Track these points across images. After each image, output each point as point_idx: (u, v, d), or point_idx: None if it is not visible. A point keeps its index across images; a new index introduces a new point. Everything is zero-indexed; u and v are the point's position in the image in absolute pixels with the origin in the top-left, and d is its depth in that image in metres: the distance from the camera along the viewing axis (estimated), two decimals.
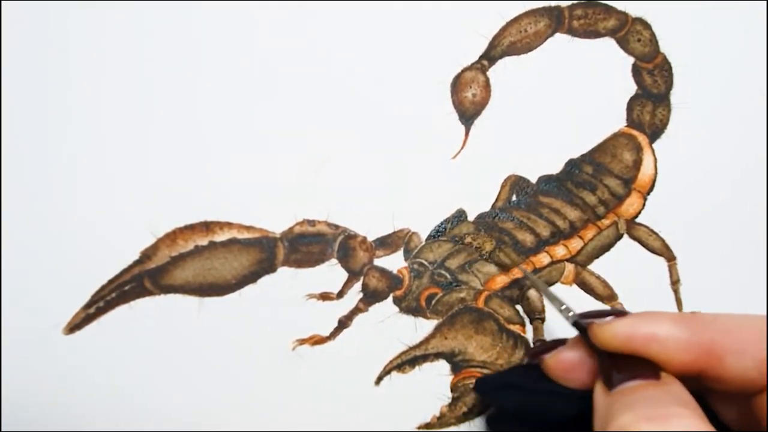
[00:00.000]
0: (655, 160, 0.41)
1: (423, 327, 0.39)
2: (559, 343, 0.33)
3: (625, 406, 0.28)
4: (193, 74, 0.40)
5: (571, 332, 0.36)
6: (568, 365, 0.32)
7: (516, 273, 0.40)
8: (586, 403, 0.30)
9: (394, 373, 0.38)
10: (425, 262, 0.40)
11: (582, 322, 0.31)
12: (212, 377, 0.38)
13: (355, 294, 0.39)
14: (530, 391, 0.33)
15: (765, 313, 0.34)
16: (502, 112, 0.41)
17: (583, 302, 0.39)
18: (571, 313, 0.32)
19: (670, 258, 0.40)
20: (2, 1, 0.40)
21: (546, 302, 0.39)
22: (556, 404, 0.32)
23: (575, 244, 0.40)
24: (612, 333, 0.29)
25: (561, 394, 0.32)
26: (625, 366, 0.29)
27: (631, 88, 0.41)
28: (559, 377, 0.32)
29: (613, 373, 0.29)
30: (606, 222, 0.40)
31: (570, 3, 0.41)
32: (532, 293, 0.39)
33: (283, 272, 0.39)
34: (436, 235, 0.40)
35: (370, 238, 0.40)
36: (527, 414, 0.33)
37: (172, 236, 0.39)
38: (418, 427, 0.38)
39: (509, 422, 0.35)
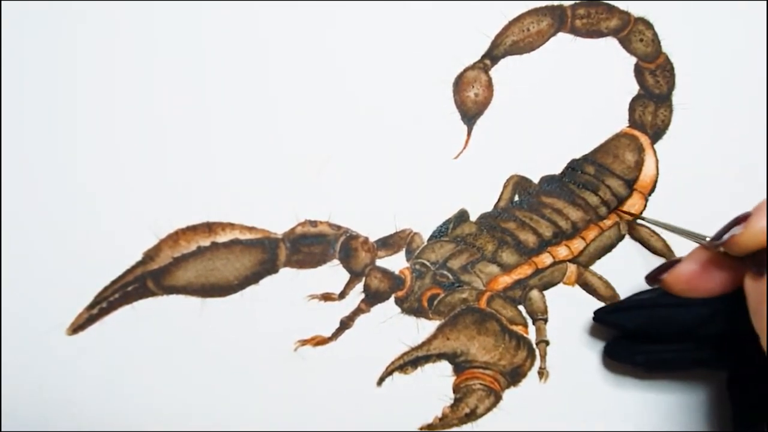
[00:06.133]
0: (657, 160, 0.41)
1: (425, 328, 0.39)
2: (673, 263, 0.35)
3: None
4: (194, 75, 0.40)
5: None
6: (688, 276, 0.35)
7: (518, 273, 0.40)
8: (712, 307, 0.35)
9: (396, 374, 0.39)
10: (427, 263, 0.40)
11: (718, 242, 0.33)
12: (214, 378, 0.38)
13: (356, 295, 0.39)
14: (653, 307, 0.36)
15: None
16: (504, 111, 0.41)
17: (584, 302, 0.39)
18: (706, 239, 0.35)
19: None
20: (2, 1, 0.40)
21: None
22: (680, 313, 0.35)
23: (578, 244, 0.40)
24: (748, 238, 0.31)
25: (684, 304, 0.35)
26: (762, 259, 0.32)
27: (633, 88, 0.41)
28: (682, 290, 0.35)
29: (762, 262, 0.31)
30: (608, 222, 0.40)
31: (572, 2, 0.41)
32: (535, 294, 0.39)
33: (285, 273, 0.39)
34: (438, 235, 0.40)
35: (372, 238, 0.40)
36: (651, 328, 0.36)
37: (175, 237, 0.39)
38: (420, 428, 0.38)
39: (629, 343, 0.38)
